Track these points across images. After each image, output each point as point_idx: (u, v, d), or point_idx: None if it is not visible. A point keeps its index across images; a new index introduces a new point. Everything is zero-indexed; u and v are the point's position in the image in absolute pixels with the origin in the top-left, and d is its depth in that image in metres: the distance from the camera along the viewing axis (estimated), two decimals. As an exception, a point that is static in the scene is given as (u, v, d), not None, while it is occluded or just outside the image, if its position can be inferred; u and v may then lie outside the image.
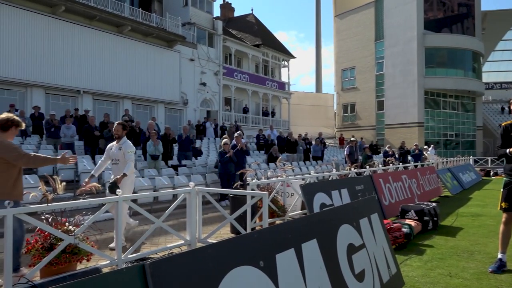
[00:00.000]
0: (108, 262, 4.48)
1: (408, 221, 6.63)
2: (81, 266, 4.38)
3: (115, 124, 6.27)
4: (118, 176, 5.77)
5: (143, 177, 10.17)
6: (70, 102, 18.02)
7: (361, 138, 25.70)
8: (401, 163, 15.33)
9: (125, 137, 6.20)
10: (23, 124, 4.71)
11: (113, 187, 5.52)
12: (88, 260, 4.31)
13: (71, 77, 17.69)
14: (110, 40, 19.35)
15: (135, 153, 6.49)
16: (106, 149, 6.38)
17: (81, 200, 4.34)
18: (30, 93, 16.68)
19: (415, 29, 34.69)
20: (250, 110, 28.92)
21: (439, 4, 36.73)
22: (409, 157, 19.44)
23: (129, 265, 4.67)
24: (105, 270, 4.12)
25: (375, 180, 8.56)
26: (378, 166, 12.30)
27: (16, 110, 13.99)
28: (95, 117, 13.87)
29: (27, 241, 4.16)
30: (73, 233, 4.12)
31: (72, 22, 17.77)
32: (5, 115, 4.50)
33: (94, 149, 12.57)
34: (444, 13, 37.18)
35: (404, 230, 5.99)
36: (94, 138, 12.58)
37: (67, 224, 4.26)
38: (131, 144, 6.19)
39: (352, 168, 10.50)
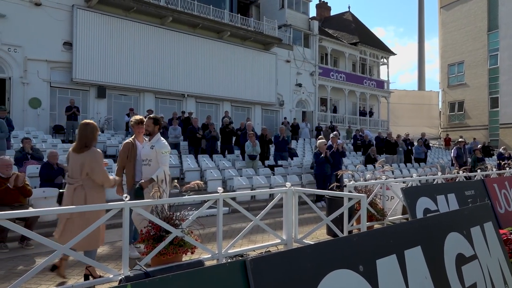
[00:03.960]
0: (209, 256, 4.75)
1: (529, 233, 5.88)
2: (185, 258, 4.70)
3: (146, 119, 5.31)
4: (144, 180, 5.02)
5: (241, 176, 10.55)
6: (176, 105, 19.47)
7: (474, 139, 23.49)
8: (520, 167, 13.65)
9: (158, 134, 5.25)
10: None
11: (138, 191, 4.95)
12: (192, 253, 4.60)
13: (176, 82, 19.11)
14: (210, 46, 20.45)
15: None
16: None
17: (186, 196, 4.66)
18: (143, 97, 18.40)
19: (538, 16, 30.60)
20: (346, 110, 28.24)
21: None
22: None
23: (228, 260, 4.90)
24: (207, 263, 4.37)
25: (488, 185, 7.75)
26: (492, 170, 11.13)
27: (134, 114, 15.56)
28: (198, 119, 14.79)
29: (141, 232, 4.60)
30: (179, 227, 4.45)
31: (177, 31, 19.19)
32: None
33: (197, 149, 13.40)
34: None
35: (525, 242, 5.32)
36: (197, 138, 13.40)
37: (174, 218, 4.61)
38: (166, 143, 5.23)
39: (461, 172, 9.66)
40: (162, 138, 5.24)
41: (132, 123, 5.60)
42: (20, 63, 14.91)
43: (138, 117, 5.63)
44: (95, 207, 4.04)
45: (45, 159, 8.23)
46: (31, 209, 5.52)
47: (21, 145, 9.13)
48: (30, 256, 5.45)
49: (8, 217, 3.50)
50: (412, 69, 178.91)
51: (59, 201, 5.05)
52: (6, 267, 4.93)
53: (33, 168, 8.18)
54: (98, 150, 4.40)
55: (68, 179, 4.34)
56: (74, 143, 4.41)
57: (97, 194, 4.30)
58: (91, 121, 4.50)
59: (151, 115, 5.34)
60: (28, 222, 5.61)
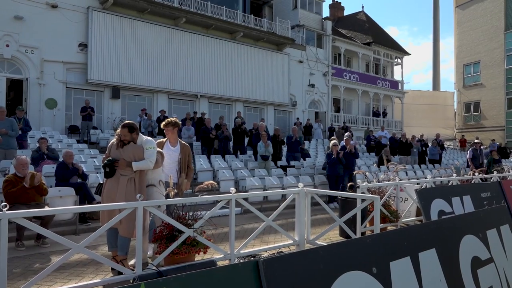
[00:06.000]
0: (222, 256, 4.76)
1: (547, 236, 5.76)
2: (197, 258, 4.73)
3: (120, 129, 4.79)
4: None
5: (253, 176, 10.56)
6: (189, 106, 19.58)
7: (493, 140, 23.11)
8: (538, 169, 13.36)
9: (140, 135, 4.86)
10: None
11: (108, 164, 4.60)
12: (204, 253, 4.62)
13: (189, 83, 19.21)
14: (223, 47, 20.51)
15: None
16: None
17: (199, 197, 4.68)
18: (156, 98, 18.55)
19: (557, 14, 29.93)
20: (359, 111, 28.06)
21: None
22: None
23: (241, 260, 4.91)
24: (219, 263, 4.38)
25: (505, 187, 7.62)
26: (508, 172, 10.93)
27: (146, 115, 15.70)
28: (211, 119, 14.85)
29: (154, 231, 4.64)
30: (192, 227, 4.47)
31: (191, 32, 19.29)
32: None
33: (210, 149, 13.46)
34: None
35: (543, 246, 5.21)
36: (210, 139, 13.46)
37: (187, 218, 4.63)
38: (151, 139, 4.92)
39: (476, 173, 9.51)
40: (145, 137, 4.93)
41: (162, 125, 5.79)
42: (37, 64, 15.17)
43: (171, 119, 5.78)
44: (111, 206, 4.10)
45: (60, 159, 8.35)
46: (47, 208, 5.61)
47: (37, 145, 9.29)
48: (45, 254, 5.54)
49: (25, 215, 3.57)
50: (426, 69, 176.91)
51: (98, 192, 5.16)
52: (23, 265, 5.02)
53: (49, 168, 8.31)
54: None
55: (121, 171, 4.65)
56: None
57: (145, 185, 4.81)
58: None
59: (125, 122, 4.82)
60: (44, 221, 5.71)
